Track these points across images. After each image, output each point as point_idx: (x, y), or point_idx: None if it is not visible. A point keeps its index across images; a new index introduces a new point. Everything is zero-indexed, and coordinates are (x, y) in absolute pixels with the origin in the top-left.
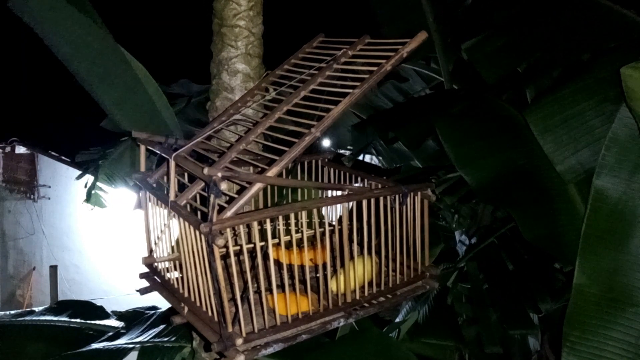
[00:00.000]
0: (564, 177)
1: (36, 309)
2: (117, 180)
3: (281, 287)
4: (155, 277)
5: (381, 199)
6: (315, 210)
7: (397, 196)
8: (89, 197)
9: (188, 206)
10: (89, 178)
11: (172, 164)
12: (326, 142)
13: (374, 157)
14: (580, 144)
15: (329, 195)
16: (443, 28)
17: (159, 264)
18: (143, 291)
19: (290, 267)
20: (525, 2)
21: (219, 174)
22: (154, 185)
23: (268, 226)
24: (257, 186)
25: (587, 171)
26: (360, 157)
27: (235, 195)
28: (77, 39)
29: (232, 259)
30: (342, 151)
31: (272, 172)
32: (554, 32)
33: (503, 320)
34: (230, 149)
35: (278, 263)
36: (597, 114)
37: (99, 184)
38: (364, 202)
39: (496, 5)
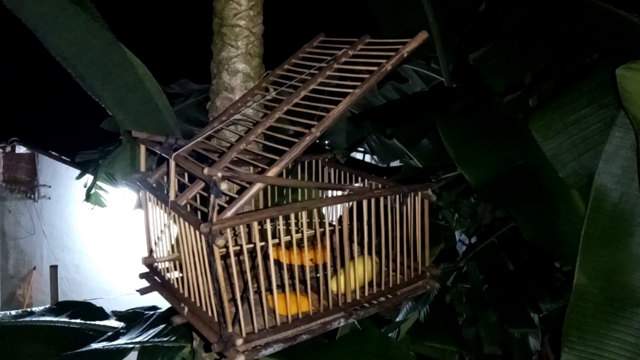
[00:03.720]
0: (567, 182)
1: (36, 309)
2: (117, 179)
3: (281, 287)
4: (156, 277)
5: (381, 199)
6: (315, 210)
7: (397, 196)
8: (88, 197)
9: (188, 206)
10: (89, 177)
11: (172, 163)
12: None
13: (374, 157)
14: (583, 148)
15: (329, 195)
16: (450, 36)
17: (159, 264)
18: (143, 291)
19: (290, 267)
20: (531, 10)
21: (219, 174)
22: (154, 185)
23: (268, 226)
24: (257, 186)
25: (589, 175)
26: (360, 157)
27: (236, 196)
28: (78, 38)
29: (232, 259)
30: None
31: (272, 172)
32: (560, 39)
33: (503, 320)
34: (231, 149)
35: (278, 263)
36: (598, 119)
37: (99, 183)
38: (364, 202)
39: (503, 13)
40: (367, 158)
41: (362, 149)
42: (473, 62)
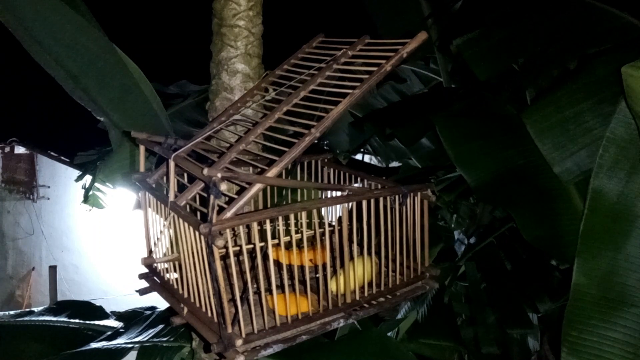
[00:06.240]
0: (561, 178)
1: (35, 309)
2: (115, 180)
3: (281, 287)
4: (155, 278)
5: (381, 199)
6: (315, 211)
7: (397, 196)
8: (86, 198)
9: (187, 207)
10: (87, 178)
11: (172, 164)
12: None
13: (373, 158)
14: (578, 145)
15: (329, 195)
16: (437, 27)
17: (159, 264)
18: (142, 292)
19: (290, 267)
20: (517, 3)
21: (219, 175)
22: (154, 185)
23: (268, 227)
24: (257, 187)
25: (584, 172)
26: (359, 157)
27: (235, 196)
28: (72, 39)
29: (232, 259)
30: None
31: (271, 172)
32: (546, 32)
33: (501, 320)
34: (230, 149)
35: (278, 263)
36: (594, 115)
37: (97, 184)
38: (364, 203)
39: (488, 5)
40: (367, 158)
41: (361, 149)
42: (457, 47)
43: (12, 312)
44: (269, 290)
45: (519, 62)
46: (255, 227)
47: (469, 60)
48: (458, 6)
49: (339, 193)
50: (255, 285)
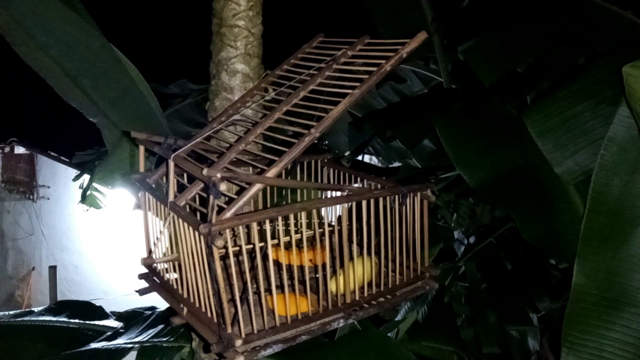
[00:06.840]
0: (562, 179)
1: (35, 309)
2: (114, 180)
3: (280, 287)
4: (155, 278)
5: (381, 199)
6: (314, 211)
7: (396, 197)
8: (84, 198)
9: (187, 207)
10: (85, 178)
11: (171, 164)
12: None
13: (373, 158)
14: (579, 145)
15: (329, 195)
16: (441, 28)
17: (158, 264)
18: (142, 292)
19: (289, 267)
20: (521, 3)
21: (219, 175)
22: (153, 185)
23: (267, 227)
24: (257, 187)
25: (585, 172)
26: (360, 157)
27: (235, 196)
28: (70, 38)
29: (232, 259)
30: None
31: (271, 172)
32: (550, 33)
33: (501, 319)
34: (230, 149)
35: (277, 264)
36: (595, 116)
37: (95, 184)
38: (364, 203)
39: (492, 5)
40: (367, 158)
41: (363, 150)
42: (462, 53)
43: (12, 312)
44: (268, 290)
45: (523, 66)
46: (254, 227)
47: (474, 66)
48: (465, 4)
49: (338, 193)
50: (254, 286)
